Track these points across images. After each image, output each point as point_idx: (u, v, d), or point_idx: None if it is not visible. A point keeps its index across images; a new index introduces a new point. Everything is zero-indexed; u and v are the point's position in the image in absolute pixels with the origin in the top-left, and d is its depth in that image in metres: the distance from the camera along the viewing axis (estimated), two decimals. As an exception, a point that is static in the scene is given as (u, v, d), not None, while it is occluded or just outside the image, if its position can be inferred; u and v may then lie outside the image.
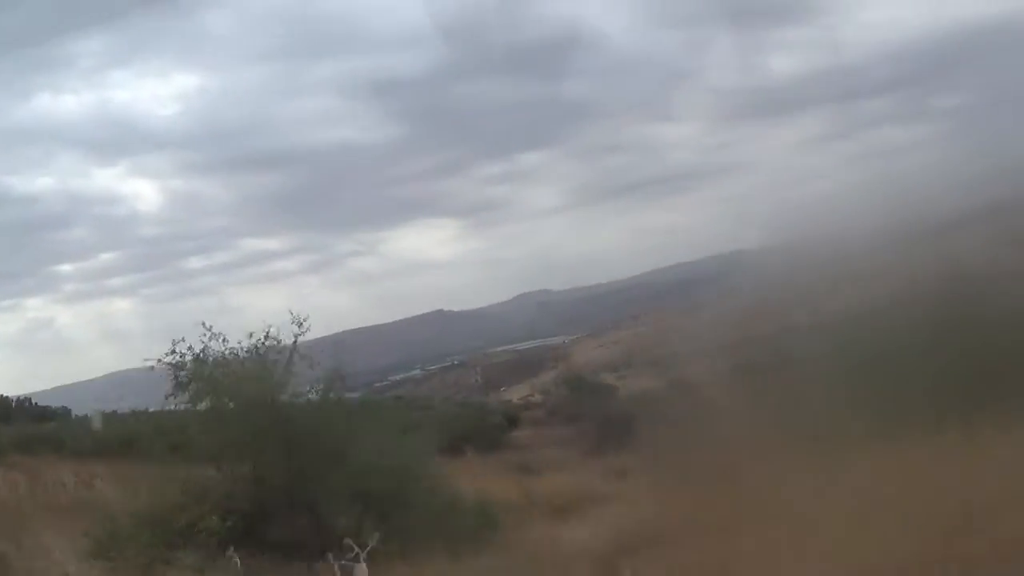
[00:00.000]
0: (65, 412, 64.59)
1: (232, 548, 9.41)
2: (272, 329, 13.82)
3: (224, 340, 13.62)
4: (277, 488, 12.94)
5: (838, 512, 9.35)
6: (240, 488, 12.92)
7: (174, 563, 11.64)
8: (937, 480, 9.20)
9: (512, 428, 59.68)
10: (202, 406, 13.62)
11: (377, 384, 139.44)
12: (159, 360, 13.60)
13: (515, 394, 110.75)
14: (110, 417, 59.82)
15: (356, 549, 9.10)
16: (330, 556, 9.33)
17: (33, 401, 68.00)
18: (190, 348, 13.51)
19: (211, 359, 13.57)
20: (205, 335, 13.56)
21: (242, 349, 13.75)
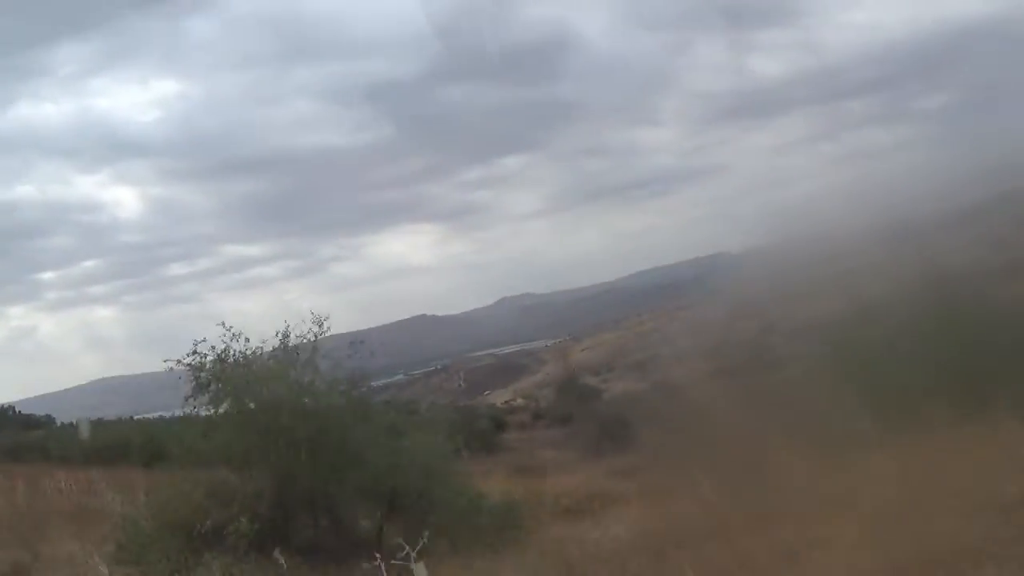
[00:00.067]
0: (49, 420, 63.90)
1: (278, 550, 9.14)
2: (294, 328, 13.51)
3: (247, 340, 13.33)
4: (304, 488, 12.65)
5: (875, 503, 9.36)
6: (268, 489, 12.62)
7: (203, 566, 11.33)
8: (953, 471, 9.32)
9: (500, 431, 59.56)
10: (223, 408, 13.30)
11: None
12: (179, 361, 13.29)
13: (498, 398, 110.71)
14: (96, 424, 59.27)
15: (407, 548, 8.87)
16: (378, 556, 9.08)
17: (17, 409, 67.25)
18: (212, 348, 13.19)
19: (233, 359, 13.25)
20: (226, 335, 13.27)
21: (266, 349, 13.44)
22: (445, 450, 14.51)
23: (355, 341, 14.38)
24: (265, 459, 12.54)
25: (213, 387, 13.30)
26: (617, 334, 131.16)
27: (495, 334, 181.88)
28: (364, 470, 13.00)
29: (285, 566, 9.17)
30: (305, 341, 13.24)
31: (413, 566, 8.43)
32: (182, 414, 13.52)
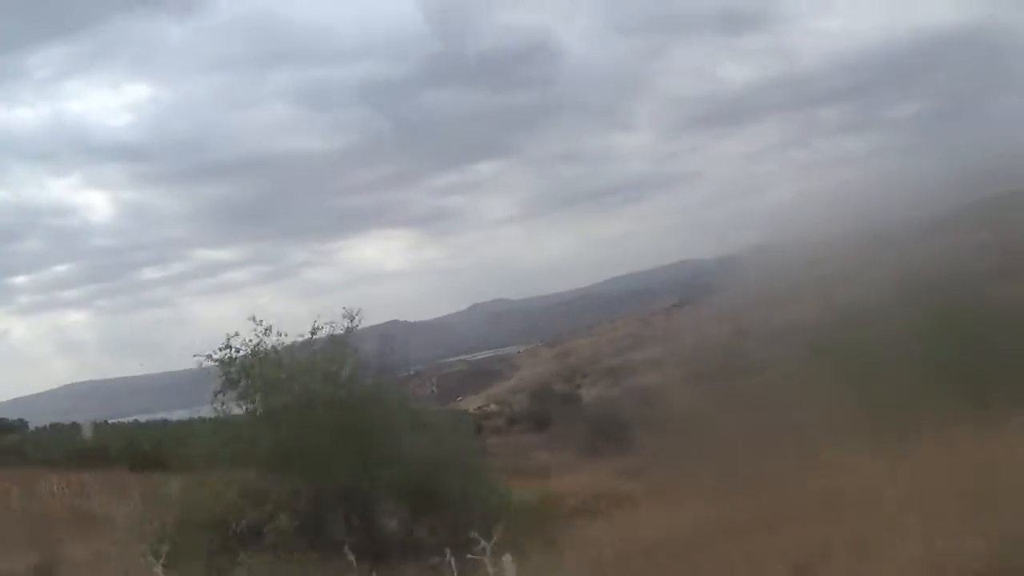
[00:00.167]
0: (22, 424, 62.43)
1: (347, 546, 8.77)
2: (324, 324, 13.13)
3: (279, 335, 12.93)
4: (339, 485, 12.25)
5: (922, 496, 9.30)
6: (304, 486, 12.20)
7: (241, 565, 10.94)
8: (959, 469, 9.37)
9: (478, 436, 59.16)
10: (251, 405, 12.88)
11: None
12: (209, 356, 12.87)
13: (471, 404, 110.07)
14: (73, 428, 58.11)
15: (483, 542, 8.56)
16: (448, 551, 8.77)
17: (-12, 414, 65.58)
18: (247, 342, 12.76)
19: (264, 354, 12.84)
20: (256, 330, 12.87)
21: (298, 344, 13.04)
22: (478, 448, 14.21)
23: (386, 334, 13.95)
24: (301, 455, 12.12)
25: (243, 383, 12.89)
26: (591, 340, 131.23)
27: (467, 340, 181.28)
28: (398, 466, 12.63)
29: (355, 563, 8.81)
30: (337, 335, 12.83)
31: (487, 560, 8.13)
32: (213, 413, 13.03)
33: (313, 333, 13.40)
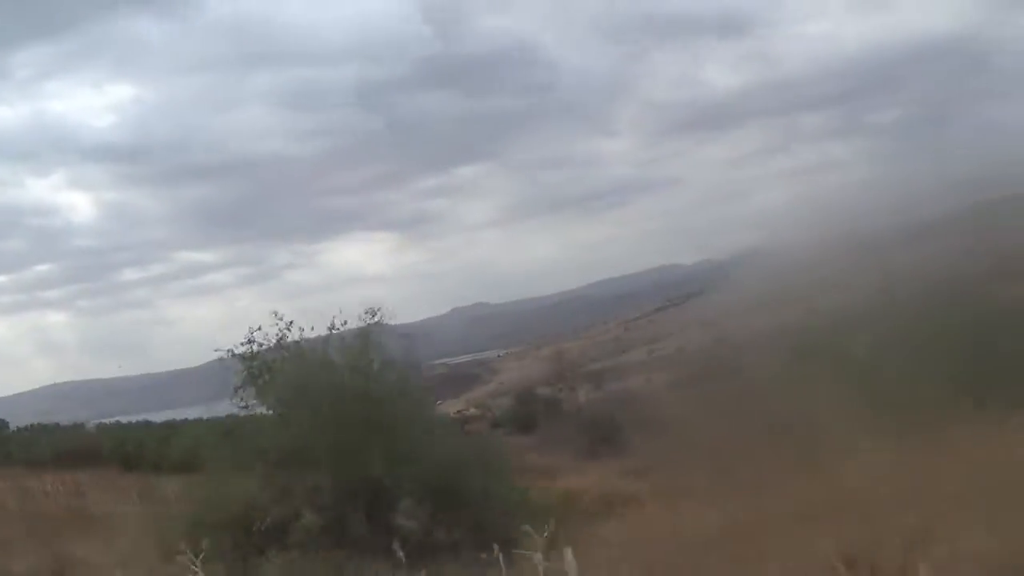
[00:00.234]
0: (3, 424, 61.35)
1: (396, 543, 8.46)
2: (346, 320, 12.79)
3: (301, 330, 12.57)
4: (367, 481, 11.91)
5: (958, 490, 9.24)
6: (331, 483, 11.84)
7: (269, 562, 10.59)
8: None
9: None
10: (273, 399, 12.52)
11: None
12: (230, 351, 12.50)
13: (451, 408, 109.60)
14: (55, 428, 57.25)
15: (534, 536, 8.29)
16: (496, 547, 8.50)
17: (-33, 413, 64.41)
18: (268, 337, 12.39)
19: (291, 348, 12.48)
20: (278, 325, 12.50)
21: (319, 339, 12.69)
22: (498, 446, 13.94)
23: (405, 334, 13.62)
24: (328, 450, 11.77)
25: (262, 379, 12.53)
26: (572, 344, 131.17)
27: (447, 344, 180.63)
28: (422, 463, 12.32)
29: (404, 560, 8.51)
30: (367, 329, 12.49)
31: (538, 555, 7.86)
32: (234, 409, 12.65)
33: (331, 329, 13.03)
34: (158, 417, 67.83)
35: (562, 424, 46.64)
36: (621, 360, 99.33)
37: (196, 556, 8.39)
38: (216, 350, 12.70)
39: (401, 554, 8.36)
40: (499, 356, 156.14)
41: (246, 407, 12.88)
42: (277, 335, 12.54)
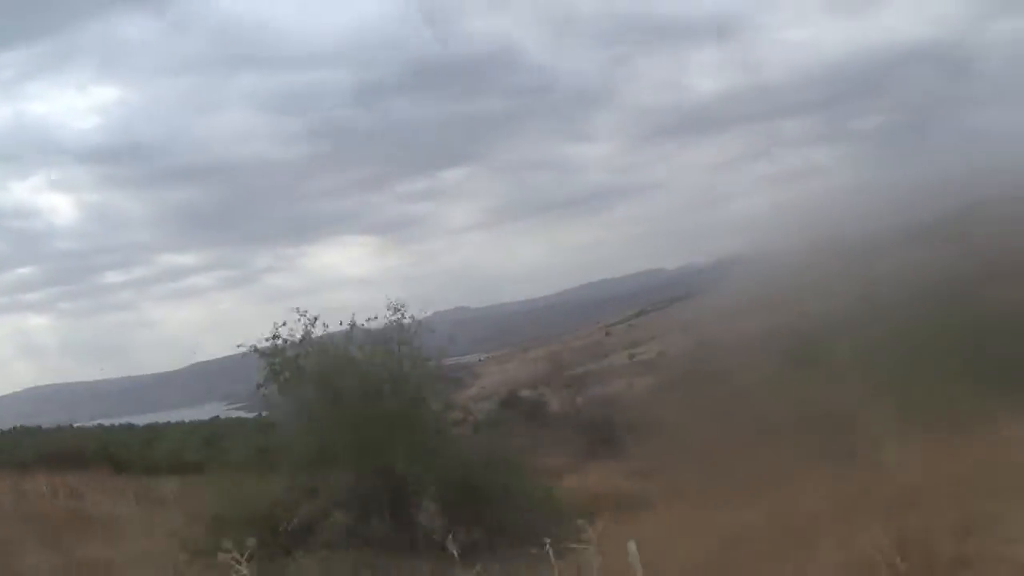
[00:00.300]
0: (-16, 427, 60.31)
1: (451, 539, 8.20)
2: (368, 316, 12.53)
3: (325, 326, 12.29)
4: (393, 479, 11.64)
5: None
6: (361, 480, 11.55)
7: (296, 562, 10.28)
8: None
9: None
10: (296, 396, 12.22)
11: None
12: (254, 347, 12.18)
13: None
14: (37, 431, 56.34)
15: (589, 530, 8.05)
16: (547, 542, 8.24)
17: (-52, 416, 63.31)
18: (301, 330, 12.09)
19: (319, 343, 12.20)
20: (300, 320, 12.20)
21: (343, 335, 12.41)
22: (516, 445, 13.71)
23: (428, 331, 13.31)
24: (355, 447, 11.50)
25: (284, 375, 12.23)
26: (554, 348, 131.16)
27: (427, 348, 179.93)
28: (448, 460, 12.08)
29: (457, 556, 8.24)
30: (404, 323, 12.23)
31: (593, 549, 7.63)
32: (258, 407, 12.33)
33: (351, 326, 12.77)
34: (141, 420, 67.16)
35: (557, 425, 46.45)
36: (603, 364, 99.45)
37: (241, 555, 8.06)
38: (239, 345, 12.36)
39: (454, 551, 8.09)
40: (480, 360, 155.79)
41: (271, 402, 12.50)
42: (302, 331, 12.20)
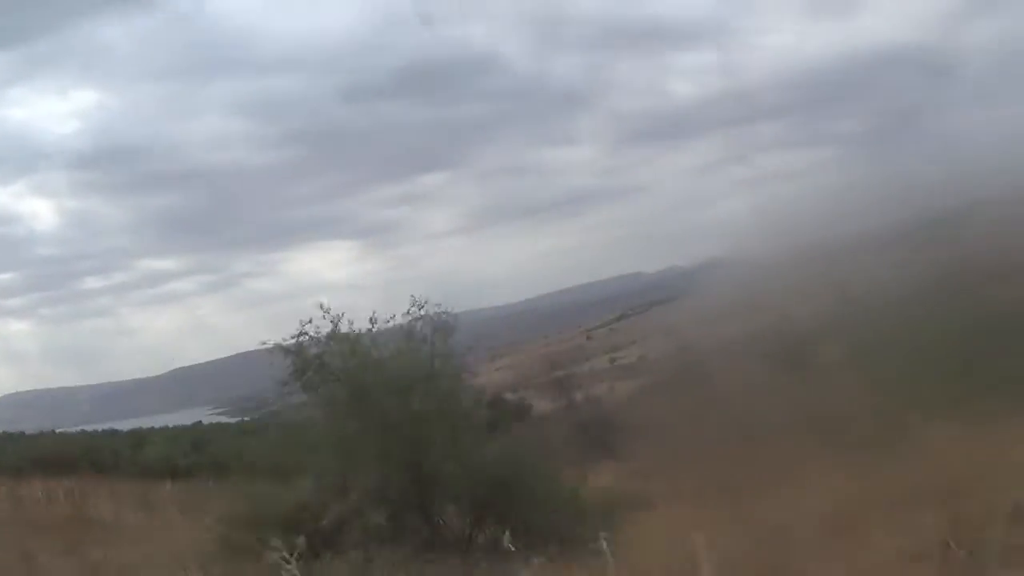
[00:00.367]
0: (-35, 433, 59.20)
1: (507, 534, 8.00)
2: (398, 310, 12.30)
3: (351, 323, 12.01)
4: (426, 478, 11.41)
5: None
6: (391, 480, 11.30)
7: (325, 563, 10.02)
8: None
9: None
10: (323, 394, 11.96)
11: (272, 408, 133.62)
12: (280, 342, 11.90)
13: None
14: (17, 437, 55.40)
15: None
16: (602, 537, 8.08)
17: (-70, 422, 62.11)
18: (319, 329, 11.81)
19: (350, 338, 11.94)
20: (325, 316, 11.93)
21: (378, 329, 12.16)
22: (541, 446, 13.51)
23: (441, 328, 12.96)
24: (387, 447, 11.26)
25: (310, 373, 11.97)
26: (533, 352, 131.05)
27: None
28: (480, 459, 11.88)
29: (513, 549, 8.06)
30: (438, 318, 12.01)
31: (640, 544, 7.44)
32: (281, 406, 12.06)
33: (373, 324, 12.53)
34: (123, 426, 66.33)
35: (543, 427, 46.21)
36: (585, 368, 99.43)
37: (291, 554, 7.83)
38: (263, 342, 12.08)
39: (511, 545, 7.90)
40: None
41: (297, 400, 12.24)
42: (328, 328, 11.94)
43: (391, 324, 12.36)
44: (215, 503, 21.96)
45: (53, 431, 61.64)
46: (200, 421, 69.24)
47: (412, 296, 12.45)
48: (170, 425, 61.21)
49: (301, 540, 8.10)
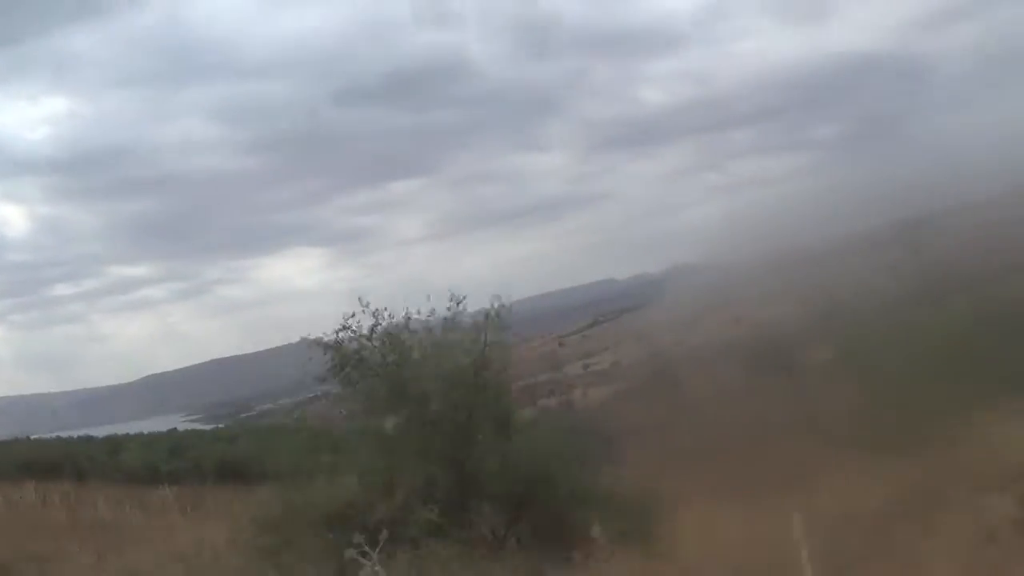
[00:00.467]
0: (-58, 439, 57.57)
1: (597, 528, 7.65)
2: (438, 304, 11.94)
3: (391, 317, 11.58)
4: (470, 475, 11.04)
5: None
6: (443, 473, 10.90)
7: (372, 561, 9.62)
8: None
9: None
10: (365, 390, 11.55)
11: (243, 415, 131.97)
12: (318, 341, 11.46)
13: (387, 422, 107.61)
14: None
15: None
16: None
17: (-98, 429, 60.37)
18: (360, 324, 11.40)
19: (381, 336, 11.52)
20: (366, 311, 11.51)
21: (426, 323, 11.77)
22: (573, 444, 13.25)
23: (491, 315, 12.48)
24: (433, 441, 10.89)
25: (348, 369, 11.55)
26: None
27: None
28: (517, 455, 11.55)
29: (598, 538, 7.73)
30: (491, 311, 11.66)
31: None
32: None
33: (408, 320, 12.13)
34: (97, 432, 65.17)
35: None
36: (559, 374, 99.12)
37: (373, 548, 7.45)
38: (302, 336, 11.64)
39: (600, 535, 7.59)
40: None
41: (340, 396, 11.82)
42: (371, 322, 11.53)
43: (427, 318, 11.96)
44: (213, 505, 21.43)
45: (28, 437, 60.33)
46: (175, 428, 68.21)
47: (450, 291, 12.05)
48: (145, 432, 60.26)
49: (384, 534, 7.69)
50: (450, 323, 11.63)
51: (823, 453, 11.20)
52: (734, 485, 11.59)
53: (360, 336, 11.45)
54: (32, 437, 61.84)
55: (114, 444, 50.20)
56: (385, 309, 11.53)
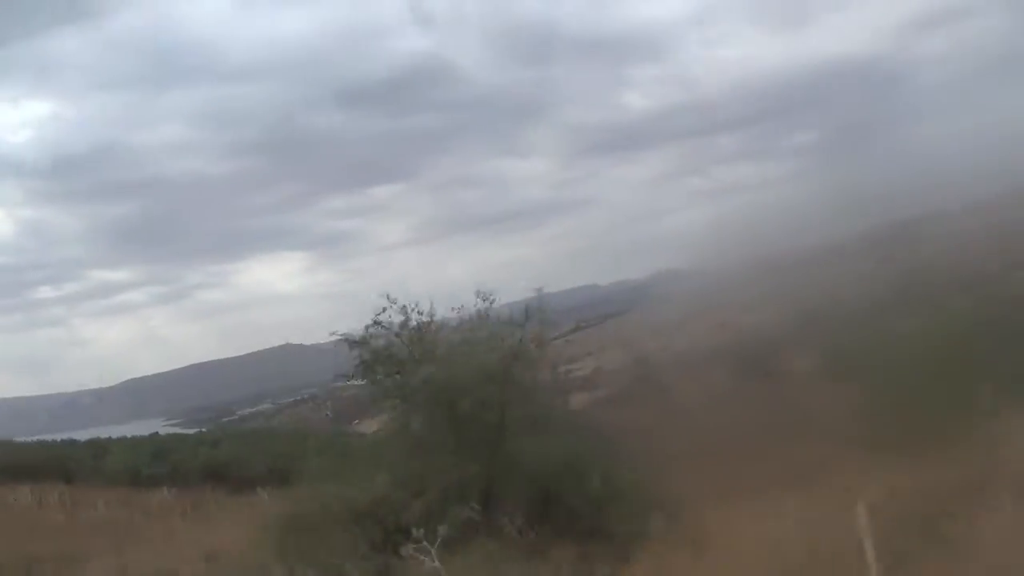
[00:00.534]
0: (-76, 442, 56.43)
1: (654, 522, 7.45)
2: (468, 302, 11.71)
3: (420, 314, 11.33)
4: (502, 474, 10.79)
5: None
6: (475, 472, 10.63)
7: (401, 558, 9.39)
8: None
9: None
10: (396, 387, 11.29)
11: (225, 419, 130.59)
12: (346, 339, 11.20)
13: (367, 427, 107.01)
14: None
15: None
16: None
17: None
18: (403, 316, 11.13)
19: (413, 331, 11.26)
20: (392, 307, 11.25)
21: (457, 319, 11.53)
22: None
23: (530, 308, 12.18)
24: (465, 440, 10.64)
25: (378, 366, 11.30)
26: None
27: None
28: (554, 454, 11.32)
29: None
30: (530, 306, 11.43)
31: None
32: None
33: (431, 318, 11.90)
34: (80, 436, 64.23)
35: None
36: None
37: (432, 543, 7.20)
38: (332, 333, 11.37)
39: (653, 531, 7.40)
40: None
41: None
42: (401, 319, 11.27)
43: (458, 314, 11.72)
44: (214, 507, 21.03)
45: (11, 440, 59.31)
46: (157, 432, 67.35)
47: (478, 290, 11.82)
48: (127, 436, 59.44)
49: (443, 528, 7.45)
50: (478, 320, 11.40)
51: (822, 453, 11.12)
52: (725, 486, 11.49)
53: (391, 331, 11.18)
54: (14, 439, 60.85)
55: (98, 448, 49.55)
56: (416, 305, 11.30)
